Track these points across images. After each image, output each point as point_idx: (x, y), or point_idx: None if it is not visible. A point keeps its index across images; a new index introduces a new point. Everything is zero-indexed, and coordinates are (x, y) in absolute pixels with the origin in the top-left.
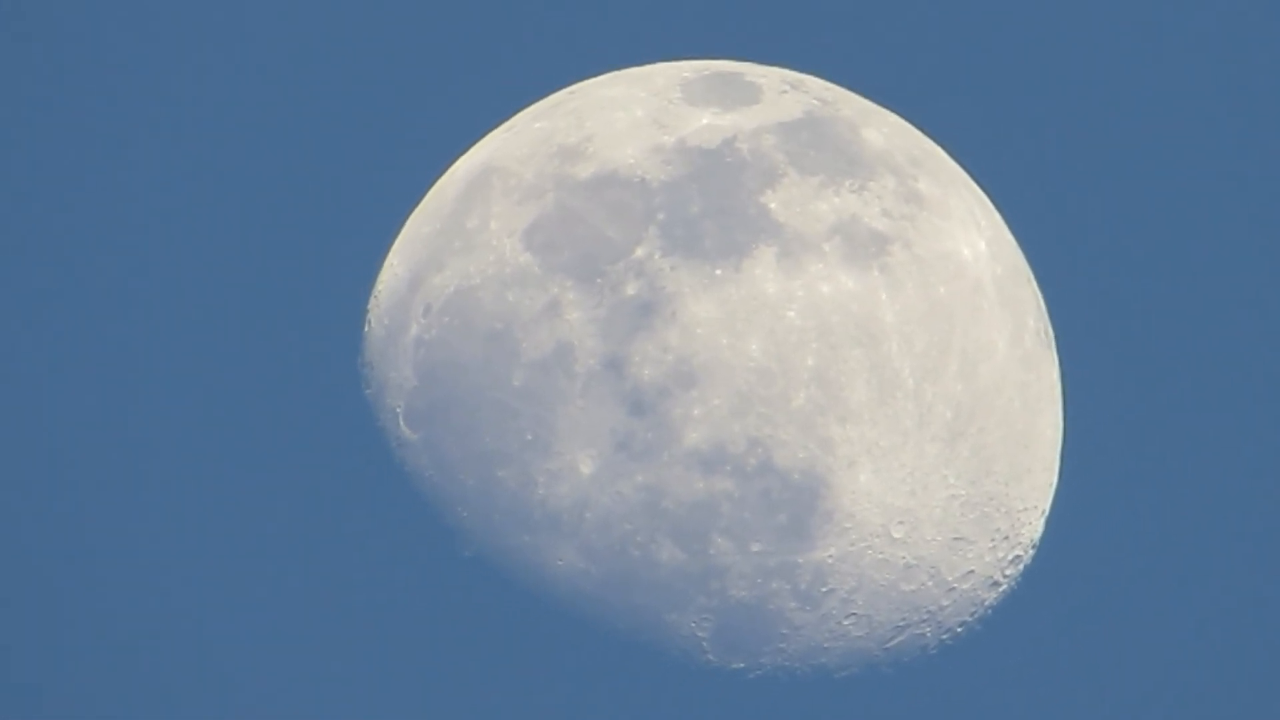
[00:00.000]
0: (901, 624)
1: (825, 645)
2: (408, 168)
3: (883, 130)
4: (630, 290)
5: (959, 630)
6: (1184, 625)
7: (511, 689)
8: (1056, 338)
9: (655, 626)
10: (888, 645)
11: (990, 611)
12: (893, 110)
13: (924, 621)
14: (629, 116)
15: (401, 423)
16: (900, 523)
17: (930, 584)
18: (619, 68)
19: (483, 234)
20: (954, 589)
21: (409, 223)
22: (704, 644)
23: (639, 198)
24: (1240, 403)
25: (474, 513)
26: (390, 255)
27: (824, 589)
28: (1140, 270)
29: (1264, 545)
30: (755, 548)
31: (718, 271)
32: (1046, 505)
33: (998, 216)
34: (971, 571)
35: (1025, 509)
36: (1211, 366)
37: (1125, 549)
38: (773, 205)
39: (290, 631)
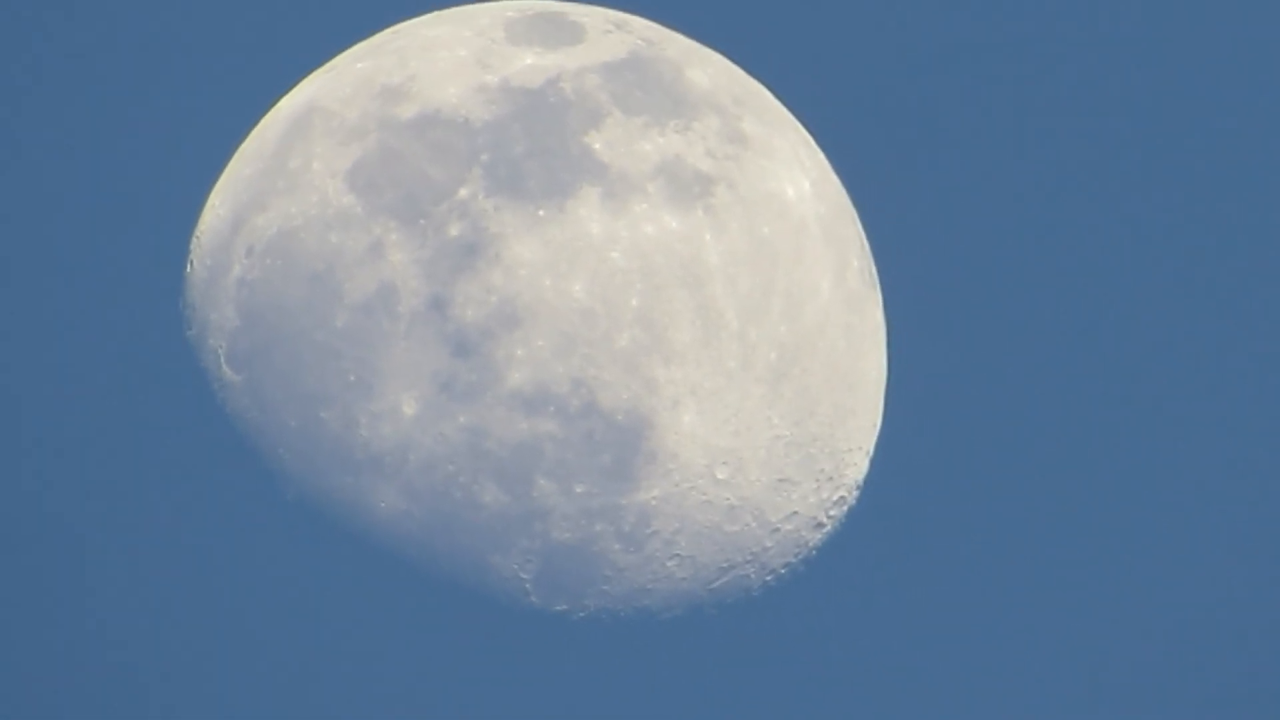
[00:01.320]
0: (725, 565)
1: (649, 587)
2: (230, 109)
3: (707, 70)
4: (454, 231)
5: (783, 571)
6: (998, 564)
7: (335, 631)
8: (881, 279)
9: (479, 569)
10: (711, 586)
11: (814, 552)
12: (717, 50)
13: (748, 563)
14: (452, 56)
15: (224, 364)
16: (724, 464)
17: (754, 525)
18: (443, 8)
19: (305, 175)
20: (778, 530)
21: (231, 164)
22: (528, 586)
23: (462, 138)
24: (1060, 341)
25: (296, 455)
26: (212, 196)
27: (648, 530)
28: (964, 210)
29: (1078, 481)
30: (579, 489)
31: (541, 212)
32: (870, 446)
33: (822, 156)
34: (795, 513)
35: (849, 450)
36: (1031, 306)
37: (948, 489)
38: (597, 145)
39: (110, 571)
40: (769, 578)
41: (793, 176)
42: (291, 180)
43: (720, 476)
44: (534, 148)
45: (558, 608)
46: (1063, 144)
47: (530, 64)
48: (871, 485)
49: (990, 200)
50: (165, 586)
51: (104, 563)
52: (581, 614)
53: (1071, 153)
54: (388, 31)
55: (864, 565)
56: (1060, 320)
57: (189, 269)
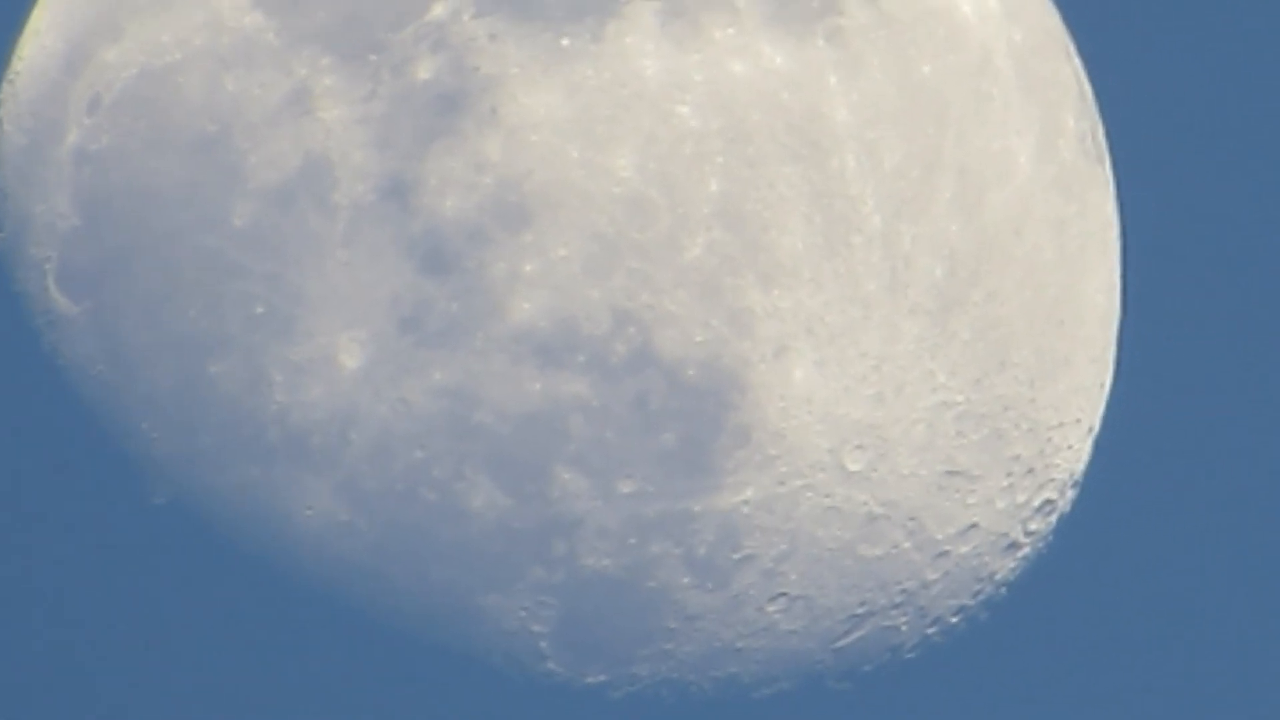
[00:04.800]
0: (862, 612)
1: (738, 646)
2: None
3: None
4: (423, 72)
5: (954, 621)
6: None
7: (237, 706)
8: (1115, 150)
9: (464, 616)
10: (839, 646)
11: (1004, 591)
12: None
13: (897, 608)
14: None
15: (53, 287)
16: (859, 447)
17: (909, 546)
18: None
19: None
20: (946, 553)
21: None
22: (543, 646)
23: None
24: None
25: (169, 433)
26: (35, 17)
27: (736, 555)
28: (1255, 45)
29: None
30: (625, 488)
31: (565, 41)
32: (1096, 420)
33: None
34: (974, 525)
35: (1061, 424)
36: None
37: (1215, 487)
38: None
39: None
40: (932, 631)
41: None
42: None
43: (853, 468)
44: None
45: (591, 679)
46: None
47: None
48: (1097, 482)
49: None
50: None
51: None
52: (629, 689)
53: None
54: None
55: (1084, 611)
56: None
57: None
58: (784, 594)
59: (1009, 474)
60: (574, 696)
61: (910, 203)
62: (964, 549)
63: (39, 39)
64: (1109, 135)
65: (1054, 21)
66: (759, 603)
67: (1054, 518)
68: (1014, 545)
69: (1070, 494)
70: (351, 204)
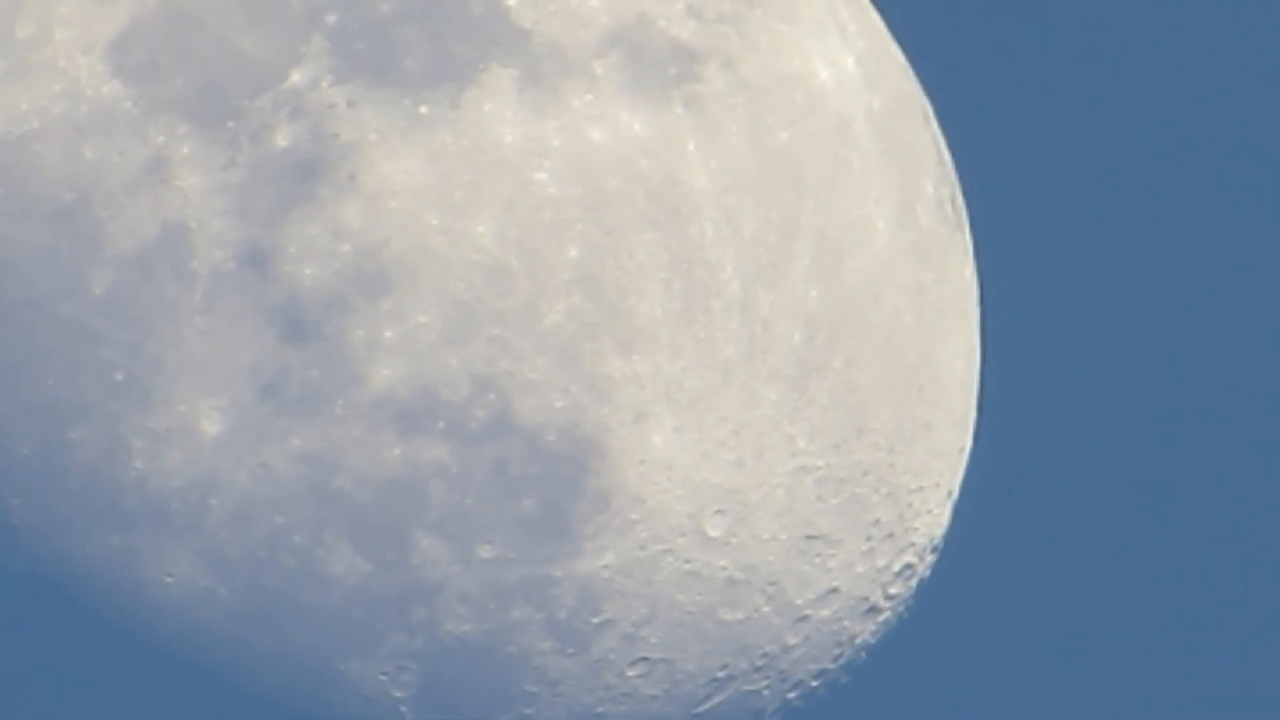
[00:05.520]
0: (722, 676)
1: (599, 711)
2: None
3: None
4: (282, 140)
5: (815, 685)
6: (1174, 678)
7: None
8: (971, 213)
9: (325, 682)
10: (699, 710)
11: (864, 655)
12: None
13: (758, 672)
14: None
15: None
16: (719, 512)
17: (768, 610)
18: None
19: (43, 48)
20: (806, 618)
21: None
22: (403, 710)
23: None
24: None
25: (28, 500)
26: None
27: (596, 620)
28: (1098, 111)
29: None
30: (485, 553)
31: (423, 109)
32: (955, 484)
33: (876, 18)
34: (834, 590)
35: (921, 488)
36: (1206, 254)
37: (1075, 549)
38: (513, 1)
39: None
40: (793, 695)
41: (828, 49)
42: (20, 58)
43: (713, 533)
44: (413, 2)
45: None
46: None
47: None
48: (956, 547)
49: (1140, 94)
50: None
51: None
52: None
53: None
54: None
55: (944, 675)
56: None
57: None
58: (645, 658)
59: (869, 538)
60: None
61: (769, 268)
62: (824, 613)
63: None
64: (968, 200)
65: (912, 86)
66: (620, 667)
67: (914, 581)
68: (874, 609)
69: (930, 558)
70: (210, 272)
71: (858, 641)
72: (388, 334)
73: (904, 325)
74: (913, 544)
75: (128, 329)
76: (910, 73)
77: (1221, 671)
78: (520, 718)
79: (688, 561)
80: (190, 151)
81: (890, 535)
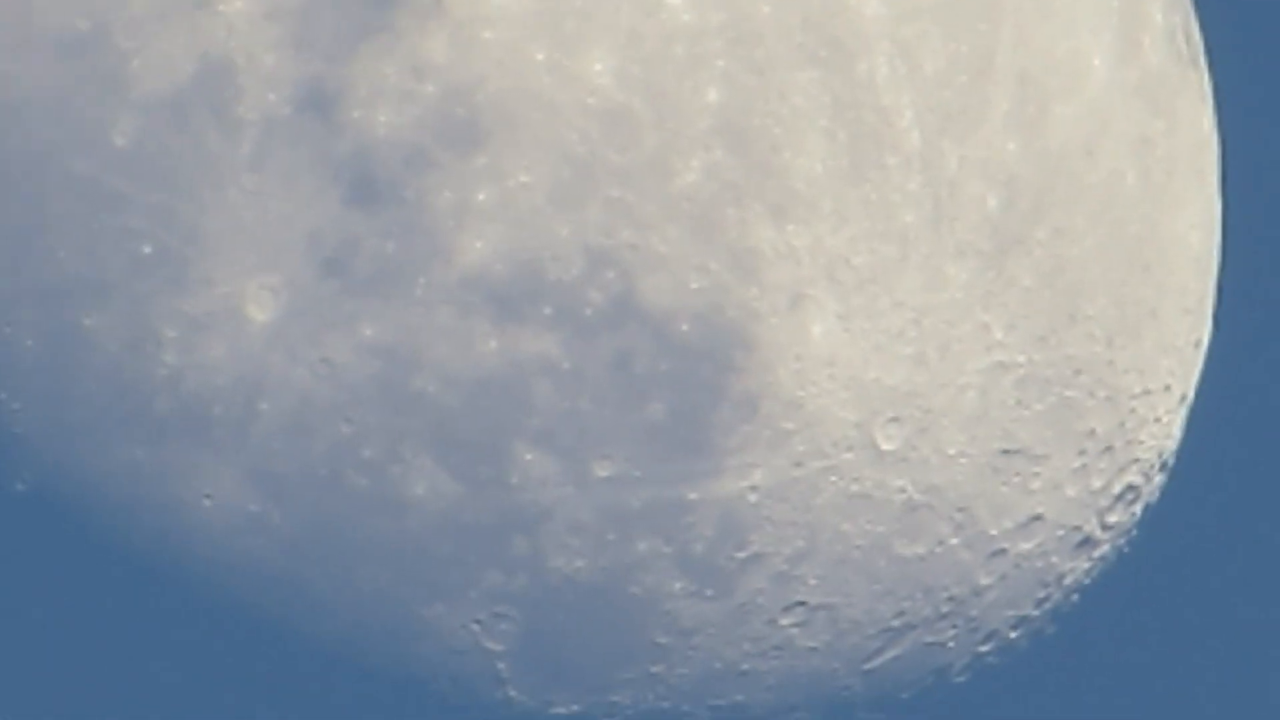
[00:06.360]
0: (897, 625)
1: (744, 668)
2: None
3: None
4: None
5: (1013, 636)
6: None
7: None
8: (1213, 51)
9: (402, 631)
10: (869, 666)
11: (1076, 599)
12: None
13: (943, 620)
14: None
15: None
16: (894, 421)
17: (956, 543)
18: None
19: None
20: (1002, 553)
21: None
22: (500, 667)
23: None
24: None
25: (33, 404)
26: None
27: (741, 555)
28: None
29: None
30: (603, 472)
31: None
32: (1190, 387)
33: None
34: (1038, 518)
35: (1147, 392)
36: None
37: None
38: None
39: None
40: (986, 649)
41: None
42: None
43: (887, 446)
44: None
45: (559, 709)
46: None
47: None
48: (1192, 465)
49: None
50: None
51: None
52: None
53: None
54: None
55: (1173, 624)
56: None
57: None
58: (801, 603)
59: (1081, 453)
60: None
61: (957, 117)
62: (1025, 546)
63: None
64: (1206, 32)
65: None
66: (770, 614)
67: (1138, 508)
68: (1088, 542)
69: (1158, 479)
70: (261, 119)
71: (1067, 582)
72: (481, 197)
73: (1125, 188)
74: (1136, 460)
75: (157, 190)
76: None
77: None
78: (645, 677)
79: (855, 482)
80: None
81: (1108, 449)
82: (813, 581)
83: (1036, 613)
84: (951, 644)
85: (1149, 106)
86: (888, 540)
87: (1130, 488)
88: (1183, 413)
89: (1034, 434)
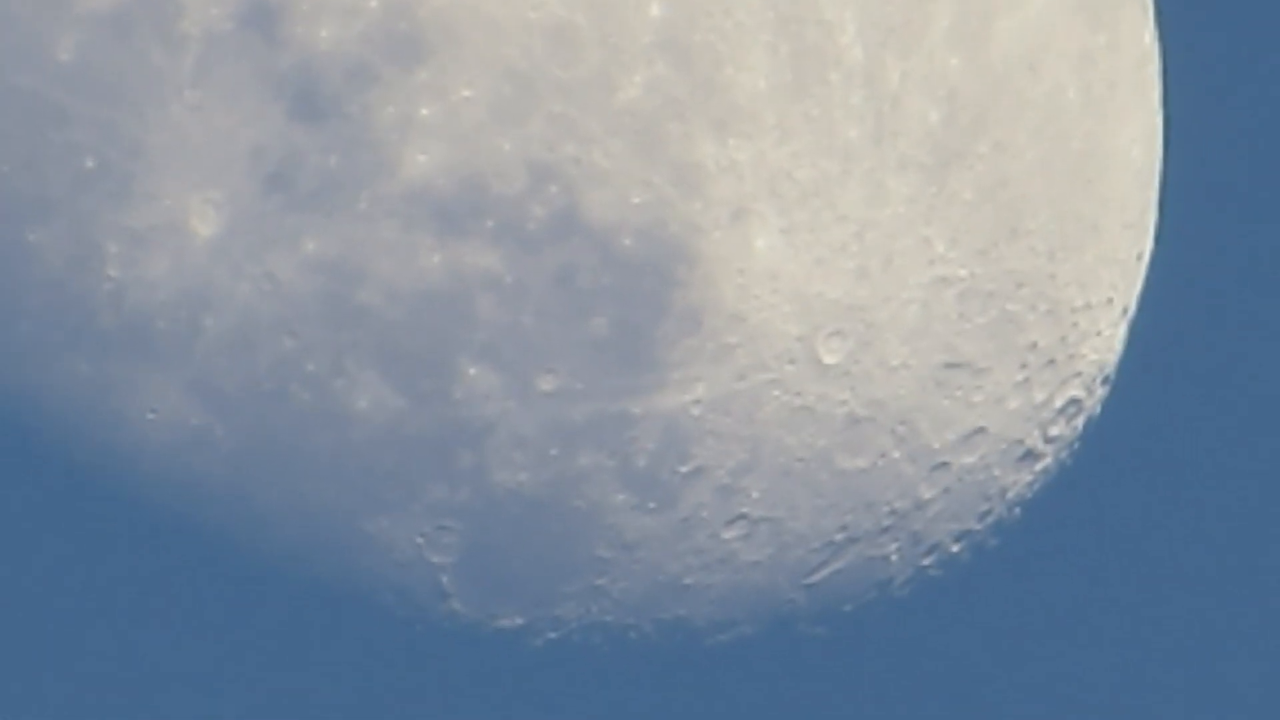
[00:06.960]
0: (840, 538)
1: (687, 581)
2: None
3: None
4: None
5: (955, 550)
6: None
7: (61, 656)
8: None
9: (346, 545)
10: (811, 580)
11: (1018, 513)
12: None
13: (885, 533)
14: None
15: None
16: (837, 334)
17: (898, 456)
18: None
19: None
20: (945, 466)
21: None
22: (444, 579)
23: None
24: None
25: None
26: None
27: (684, 468)
28: None
29: None
30: (546, 385)
31: None
32: (1131, 300)
33: None
34: (981, 430)
35: (1088, 305)
36: None
37: (1275, 388)
38: None
39: None
40: (928, 562)
41: None
42: None
43: (830, 360)
44: None
45: (503, 622)
46: None
47: None
48: (1133, 377)
49: None
50: None
51: None
52: (551, 635)
53: None
54: None
55: (1115, 538)
56: None
57: None
58: (744, 515)
59: (1024, 366)
60: (483, 643)
61: (900, 30)
62: (967, 459)
63: None
64: None
65: None
66: (713, 527)
67: (1080, 421)
68: (1030, 455)
69: (1100, 391)
70: (203, 34)
71: (1010, 495)
72: (424, 111)
73: (1067, 102)
74: (1078, 374)
75: (100, 105)
76: None
77: None
78: (588, 589)
79: (798, 395)
80: None
81: (1050, 362)
82: (755, 495)
83: (979, 526)
84: (894, 557)
85: (1091, 21)
86: (830, 453)
87: (1072, 401)
88: (1124, 326)
89: (976, 347)
